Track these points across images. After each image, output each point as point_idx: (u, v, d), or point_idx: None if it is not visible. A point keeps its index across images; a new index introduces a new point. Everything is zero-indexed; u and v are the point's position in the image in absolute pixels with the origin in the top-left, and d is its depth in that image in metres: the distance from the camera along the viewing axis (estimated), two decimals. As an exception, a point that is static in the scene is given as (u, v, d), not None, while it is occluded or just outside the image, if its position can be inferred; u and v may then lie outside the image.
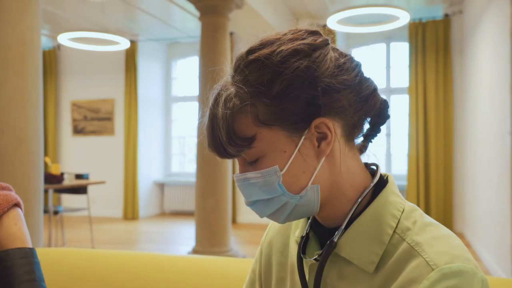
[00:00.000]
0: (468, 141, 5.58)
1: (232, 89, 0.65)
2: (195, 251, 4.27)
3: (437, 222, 0.66)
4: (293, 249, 0.77)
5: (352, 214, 0.67)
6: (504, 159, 3.53)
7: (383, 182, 0.70)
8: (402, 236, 0.63)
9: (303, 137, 0.64)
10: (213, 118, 0.66)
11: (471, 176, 5.34)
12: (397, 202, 0.67)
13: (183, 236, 5.99)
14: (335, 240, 0.66)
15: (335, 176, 0.67)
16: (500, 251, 3.74)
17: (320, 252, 0.69)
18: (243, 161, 0.68)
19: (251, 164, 0.67)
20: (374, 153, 0.75)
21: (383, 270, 0.62)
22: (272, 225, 0.86)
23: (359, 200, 0.67)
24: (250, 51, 0.67)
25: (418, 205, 6.09)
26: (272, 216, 0.68)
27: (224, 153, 0.66)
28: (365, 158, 0.75)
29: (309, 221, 0.74)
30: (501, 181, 3.65)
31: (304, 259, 0.71)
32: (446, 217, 5.98)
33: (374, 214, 0.66)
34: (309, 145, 0.65)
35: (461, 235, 5.77)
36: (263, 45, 0.67)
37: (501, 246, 3.67)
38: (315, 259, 0.69)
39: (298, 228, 0.78)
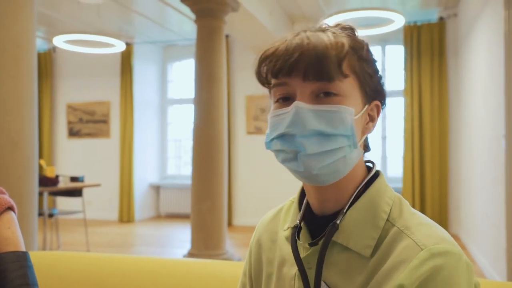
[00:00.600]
0: (463, 144, 5.60)
1: (339, 33, 0.71)
2: (190, 254, 4.25)
3: (421, 213, 0.71)
4: (283, 243, 0.79)
5: (351, 200, 0.71)
6: (498, 162, 3.54)
7: (375, 175, 0.75)
8: (392, 222, 0.68)
9: (368, 105, 0.72)
10: (325, 40, 0.68)
11: (466, 179, 5.36)
12: (388, 191, 0.73)
13: (179, 239, 5.98)
14: (338, 222, 0.69)
15: (359, 159, 0.72)
16: (495, 254, 3.75)
17: (315, 240, 0.71)
18: (311, 96, 0.68)
19: (323, 98, 0.67)
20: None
21: (376, 254, 0.66)
22: (260, 225, 0.88)
23: (359, 187, 0.72)
24: (339, 23, 0.75)
25: (413, 207, 6.09)
26: (318, 158, 0.66)
27: (321, 71, 0.66)
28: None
29: (301, 211, 0.76)
30: (495, 184, 3.67)
31: (300, 249, 0.73)
32: (442, 220, 5.99)
33: (369, 201, 0.70)
34: (364, 117, 0.72)
35: (456, 238, 5.78)
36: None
37: (496, 248, 3.68)
38: (310, 244, 0.71)
39: (287, 222, 0.80)
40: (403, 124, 6.20)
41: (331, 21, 4.88)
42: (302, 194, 0.80)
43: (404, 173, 6.15)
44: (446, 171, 6.02)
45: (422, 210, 6.06)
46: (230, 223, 6.85)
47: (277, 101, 0.71)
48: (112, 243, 5.74)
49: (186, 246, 5.29)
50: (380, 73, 0.74)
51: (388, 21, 5.07)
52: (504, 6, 3.30)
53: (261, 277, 0.83)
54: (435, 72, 6.04)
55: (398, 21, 4.90)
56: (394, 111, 6.57)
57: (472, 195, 4.90)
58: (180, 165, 7.93)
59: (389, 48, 6.63)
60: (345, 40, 0.69)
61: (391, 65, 6.64)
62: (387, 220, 0.68)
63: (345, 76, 0.68)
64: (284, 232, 0.79)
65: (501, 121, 3.42)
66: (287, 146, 0.68)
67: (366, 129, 0.73)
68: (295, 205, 0.80)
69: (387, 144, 6.62)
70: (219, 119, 4.28)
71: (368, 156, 0.78)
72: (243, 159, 7.04)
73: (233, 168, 7.00)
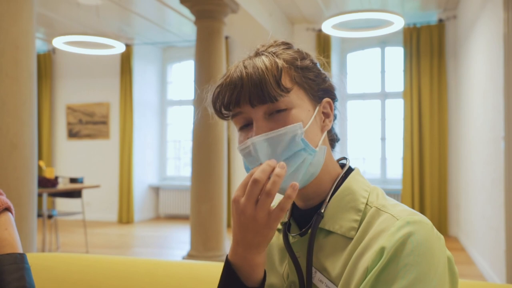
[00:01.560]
0: (462, 145, 5.60)
1: (272, 53, 0.78)
2: (190, 256, 4.25)
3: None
4: (274, 238, 0.87)
5: (331, 192, 0.79)
6: (497, 164, 3.54)
7: (350, 169, 0.84)
8: (370, 205, 0.76)
9: (319, 105, 0.80)
10: (259, 65, 0.75)
11: (465, 180, 5.36)
12: (364, 181, 0.81)
13: (178, 240, 5.97)
14: (322, 211, 0.77)
15: (326, 155, 0.80)
16: (494, 256, 3.75)
17: (303, 230, 0.79)
18: (265, 118, 0.75)
19: (276, 115, 0.75)
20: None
21: (358, 233, 0.73)
22: None
23: (337, 180, 0.80)
24: (277, 40, 0.83)
25: (412, 208, 6.10)
26: (288, 178, 0.74)
27: (262, 95, 0.73)
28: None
29: (289, 209, 0.85)
30: (494, 185, 3.67)
31: (290, 240, 0.80)
32: (441, 221, 5.99)
33: (348, 190, 0.78)
34: (318, 117, 0.79)
35: (455, 240, 5.78)
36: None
37: (495, 250, 3.68)
38: (300, 234, 0.79)
39: None
40: (402, 126, 6.20)
41: (330, 23, 4.87)
42: None
43: (404, 175, 6.15)
44: (445, 172, 6.02)
45: (421, 211, 6.06)
46: (229, 225, 6.85)
47: (239, 130, 0.79)
48: (111, 244, 5.73)
49: (186, 247, 5.29)
50: (323, 72, 0.82)
51: (387, 23, 5.07)
52: (503, 8, 3.30)
53: None
54: (434, 73, 6.04)
55: (398, 23, 4.91)
56: (394, 112, 6.58)
57: (471, 197, 4.90)
58: (180, 166, 7.92)
59: (388, 49, 6.63)
60: (278, 59, 0.77)
61: (391, 66, 6.65)
62: (366, 204, 0.76)
63: (288, 90, 0.75)
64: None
65: (500, 123, 3.42)
66: None
67: (324, 127, 0.80)
68: None
69: (387, 146, 6.63)
70: (219, 120, 4.27)
71: (344, 153, 0.84)
72: (242, 161, 7.02)
73: (232, 169, 7.00)
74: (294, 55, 0.79)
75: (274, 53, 0.78)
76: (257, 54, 0.79)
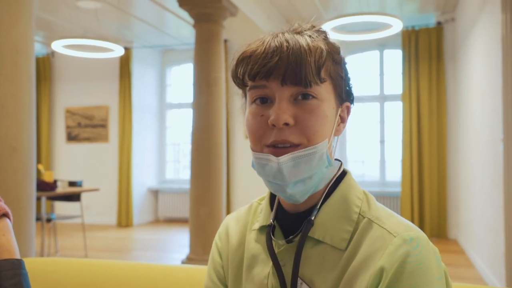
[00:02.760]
0: (461, 148, 5.61)
1: (315, 36, 0.72)
2: (189, 259, 4.24)
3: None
4: (250, 244, 0.80)
5: (323, 197, 0.74)
6: (496, 166, 3.54)
7: (343, 173, 0.78)
8: (363, 215, 0.72)
9: (340, 107, 0.75)
10: (303, 44, 0.68)
11: (464, 183, 5.36)
12: (357, 187, 0.76)
13: (177, 243, 5.96)
14: (313, 218, 0.71)
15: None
16: (494, 258, 3.74)
17: (291, 237, 0.72)
18: (290, 100, 0.69)
19: (302, 101, 0.69)
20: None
21: (349, 245, 0.69)
22: (225, 228, 0.88)
23: (329, 184, 0.75)
24: (314, 26, 0.76)
25: (412, 211, 6.12)
26: (302, 192, 0.70)
27: (300, 76, 0.67)
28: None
29: (274, 210, 0.77)
30: (493, 187, 3.67)
31: (274, 246, 0.73)
32: (440, 224, 5.99)
33: (341, 197, 0.73)
34: (336, 120, 0.74)
35: (455, 242, 5.78)
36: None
37: (495, 252, 3.67)
38: (287, 241, 0.72)
39: (257, 222, 0.80)
40: (401, 128, 6.20)
41: (329, 26, 4.87)
42: (273, 194, 0.81)
43: (403, 177, 6.15)
44: (445, 175, 6.02)
45: (421, 213, 6.06)
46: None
47: (253, 101, 0.71)
48: (110, 247, 5.72)
49: (185, 250, 5.28)
50: (349, 75, 0.77)
51: (386, 26, 5.08)
52: (501, 10, 3.31)
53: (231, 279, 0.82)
54: (433, 76, 6.05)
55: (396, 26, 4.92)
56: (392, 115, 6.58)
57: (471, 199, 4.90)
58: (179, 169, 7.92)
59: (387, 52, 6.64)
60: (322, 45, 0.70)
61: (389, 69, 6.66)
62: (359, 213, 0.72)
63: (323, 81, 0.69)
64: (252, 232, 0.80)
65: (499, 125, 3.42)
66: (274, 188, 0.71)
67: (337, 131, 0.75)
68: (265, 205, 0.81)
69: (386, 148, 6.63)
70: (218, 123, 4.28)
71: (343, 156, 0.82)
72: (242, 164, 7.04)
73: (231, 172, 6.99)
74: (333, 46, 0.73)
75: (316, 37, 0.71)
76: (298, 32, 0.72)
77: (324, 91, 0.70)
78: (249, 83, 0.71)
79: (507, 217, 3.27)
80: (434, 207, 6.01)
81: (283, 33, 0.70)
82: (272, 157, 0.68)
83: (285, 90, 0.68)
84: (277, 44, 0.68)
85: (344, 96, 0.75)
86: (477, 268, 4.40)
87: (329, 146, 0.72)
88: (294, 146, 0.68)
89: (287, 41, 0.68)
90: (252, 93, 0.71)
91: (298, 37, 0.69)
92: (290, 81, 0.67)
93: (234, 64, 0.72)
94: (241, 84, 0.72)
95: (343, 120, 0.76)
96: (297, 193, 0.70)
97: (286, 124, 0.67)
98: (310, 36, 0.71)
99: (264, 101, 0.70)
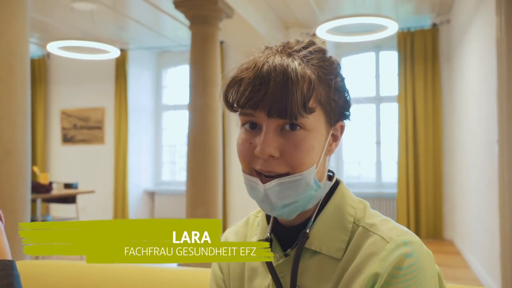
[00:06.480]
0: (457, 149, 5.63)
1: (306, 60, 0.70)
2: (185, 261, 4.23)
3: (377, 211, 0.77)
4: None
5: (317, 209, 0.74)
6: (492, 167, 3.56)
7: (335, 182, 0.79)
8: (357, 223, 0.73)
9: (332, 129, 0.74)
10: (290, 74, 0.67)
11: (460, 184, 5.38)
12: (350, 195, 0.77)
13: (174, 245, 5.94)
14: (307, 231, 0.72)
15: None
16: (489, 259, 3.76)
17: (287, 251, 0.74)
18: (277, 132, 0.69)
19: (288, 132, 0.68)
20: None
21: (345, 254, 0.71)
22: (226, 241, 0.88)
23: (323, 196, 0.75)
24: (311, 42, 0.74)
25: (408, 212, 6.14)
26: (290, 213, 0.72)
27: (284, 111, 0.67)
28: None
29: (270, 224, 0.78)
30: (489, 189, 3.68)
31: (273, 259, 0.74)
32: (436, 225, 6.00)
33: (335, 207, 0.74)
34: (327, 141, 0.73)
35: (451, 243, 5.79)
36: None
37: (491, 253, 3.68)
38: (285, 254, 0.74)
39: (255, 235, 0.81)
40: (397, 130, 6.22)
41: (324, 28, 4.88)
42: None
43: (399, 179, 6.16)
44: (440, 176, 6.04)
45: (417, 215, 6.08)
46: (224, 229, 6.82)
47: (243, 125, 0.73)
48: (106, 250, 5.69)
49: (181, 252, 5.26)
50: (347, 88, 0.75)
51: (381, 28, 5.10)
52: (496, 12, 3.33)
53: None
54: (428, 77, 6.07)
55: (392, 28, 4.93)
56: (388, 116, 6.60)
57: (466, 200, 4.92)
58: (175, 171, 7.91)
59: (382, 54, 6.66)
60: (311, 72, 0.69)
61: (385, 71, 6.67)
62: (353, 222, 0.73)
63: (311, 111, 0.68)
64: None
65: (494, 127, 3.43)
66: (263, 208, 0.73)
67: (328, 151, 0.74)
68: (262, 218, 0.82)
69: (382, 150, 6.64)
70: (214, 125, 4.28)
71: (339, 158, 0.82)
72: (238, 165, 6.99)
73: (227, 173, 6.99)
74: (328, 69, 0.72)
75: (308, 60, 0.70)
76: (289, 54, 0.70)
77: (313, 121, 0.69)
78: (239, 109, 0.72)
79: (502, 218, 3.28)
80: (430, 208, 6.02)
81: (275, 54, 0.70)
82: (259, 183, 0.70)
83: (271, 122, 0.69)
84: (264, 72, 0.67)
85: (338, 116, 0.74)
86: (472, 269, 4.41)
87: (321, 167, 0.72)
88: (281, 175, 0.69)
89: (275, 69, 0.67)
90: (242, 117, 0.73)
91: (289, 61, 0.68)
92: (277, 114, 0.67)
93: (225, 88, 0.72)
94: (231, 108, 0.73)
95: (335, 139, 0.75)
96: (285, 213, 0.72)
97: (272, 156, 0.68)
98: (303, 58, 0.70)
99: (253, 126, 0.71)
